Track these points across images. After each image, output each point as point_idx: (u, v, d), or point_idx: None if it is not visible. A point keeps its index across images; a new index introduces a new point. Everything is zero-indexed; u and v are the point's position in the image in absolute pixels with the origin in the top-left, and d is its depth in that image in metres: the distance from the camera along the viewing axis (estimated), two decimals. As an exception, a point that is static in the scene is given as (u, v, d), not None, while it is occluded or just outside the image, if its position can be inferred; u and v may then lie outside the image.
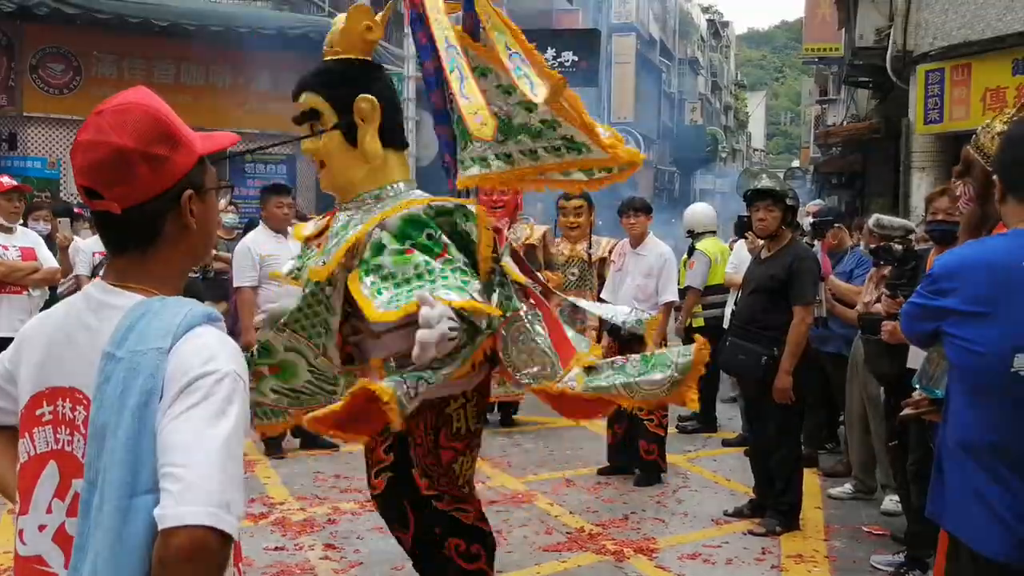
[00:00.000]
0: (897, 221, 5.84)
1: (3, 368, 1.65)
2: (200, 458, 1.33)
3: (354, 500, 5.75)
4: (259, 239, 6.87)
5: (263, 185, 7.77)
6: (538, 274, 7.27)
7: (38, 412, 1.54)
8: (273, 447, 6.82)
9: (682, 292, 8.00)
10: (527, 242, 7.94)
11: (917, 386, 3.32)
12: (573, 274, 9.24)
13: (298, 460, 6.73)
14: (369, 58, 3.20)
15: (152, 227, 1.52)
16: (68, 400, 1.51)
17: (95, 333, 1.50)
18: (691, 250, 8.18)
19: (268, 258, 6.66)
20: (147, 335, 1.43)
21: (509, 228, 7.56)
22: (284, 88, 14.65)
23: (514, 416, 8.21)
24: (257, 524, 5.24)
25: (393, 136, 3.17)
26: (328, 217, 3.30)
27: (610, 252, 9.20)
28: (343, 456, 6.82)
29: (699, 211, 8.76)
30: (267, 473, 6.37)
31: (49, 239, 7.14)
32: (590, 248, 9.20)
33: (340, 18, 3.22)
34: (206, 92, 11.99)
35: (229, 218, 8.94)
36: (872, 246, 5.09)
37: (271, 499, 5.76)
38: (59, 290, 6.67)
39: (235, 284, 6.81)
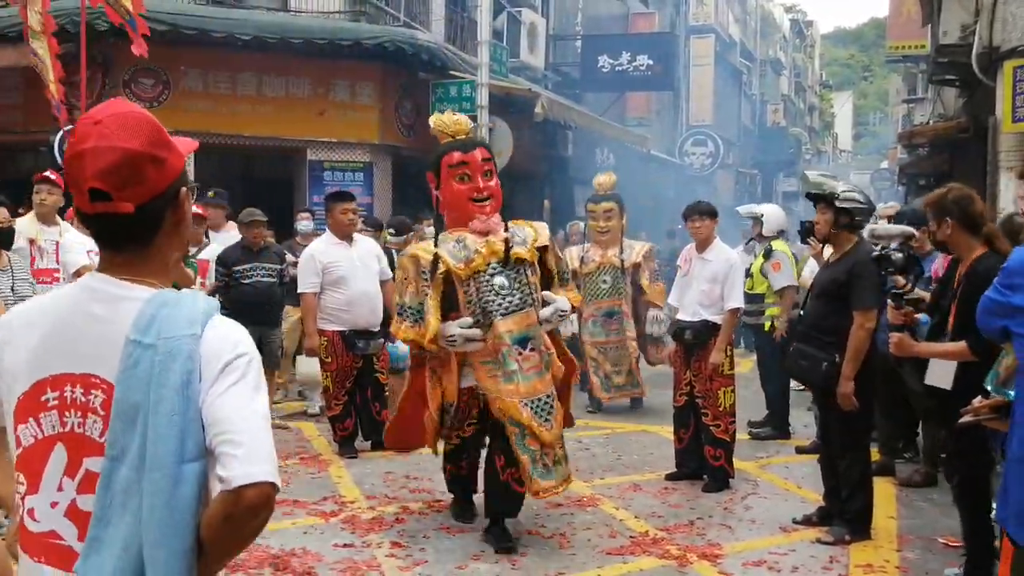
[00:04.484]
0: (895, 228, 5.68)
1: None
2: (252, 426, 1.55)
3: (422, 500, 5.84)
4: (322, 247, 7.05)
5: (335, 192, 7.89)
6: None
7: (42, 398, 1.66)
8: (346, 447, 6.97)
9: (744, 297, 7.87)
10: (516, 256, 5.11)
11: (988, 387, 3.22)
12: (605, 282, 8.70)
13: (370, 460, 6.86)
14: None
15: (154, 223, 1.68)
16: (79, 385, 1.64)
17: (107, 323, 1.63)
18: (768, 252, 7.98)
19: (331, 265, 6.83)
20: (174, 323, 1.59)
21: (506, 228, 5.11)
22: (361, 98, 14.92)
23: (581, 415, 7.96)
24: (328, 522, 5.37)
25: None
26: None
27: (644, 257, 8.86)
28: (413, 457, 6.92)
29: (774, 212, 8.66)
30: (339, 473, 6.51)
31: None
32: (622, 253, 8.76)
33: None
34: (286, 103, 12.26)
35: (303, 224, 9.16)
36: (874, 255, 4.93)
37: (342, 497, 5.89)
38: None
39: (298, 290, 7.03)
